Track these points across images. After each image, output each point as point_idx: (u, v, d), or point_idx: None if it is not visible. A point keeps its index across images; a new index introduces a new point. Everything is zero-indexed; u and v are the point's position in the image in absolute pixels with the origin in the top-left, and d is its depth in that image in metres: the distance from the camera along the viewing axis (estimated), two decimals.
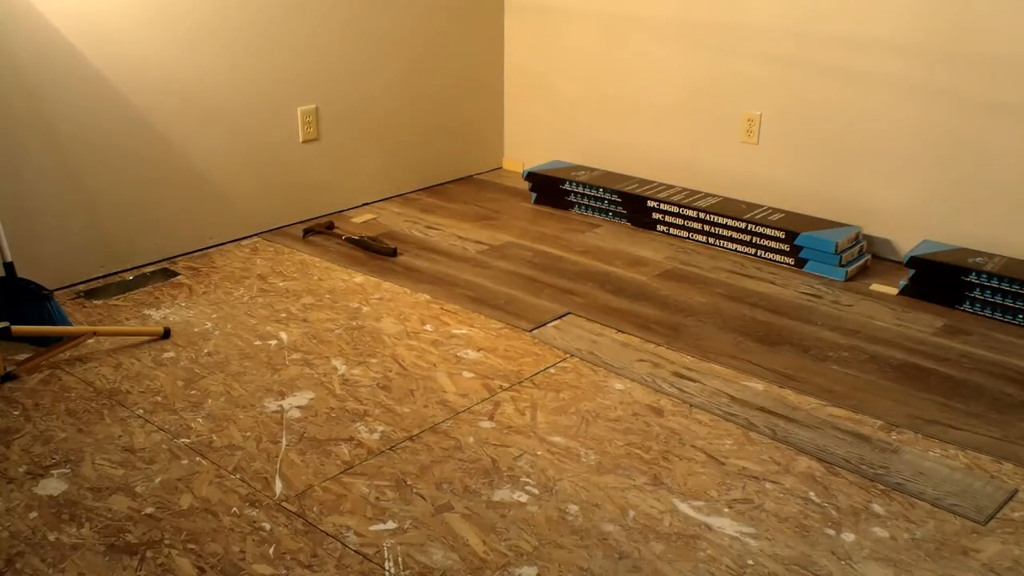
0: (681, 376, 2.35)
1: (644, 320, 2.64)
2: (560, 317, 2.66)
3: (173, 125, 2.97)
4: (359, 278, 2.93)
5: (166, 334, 2.51)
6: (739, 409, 2.21)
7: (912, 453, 2.03)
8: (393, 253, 3.09)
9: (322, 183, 3.46)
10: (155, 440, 2.05)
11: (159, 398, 2.22)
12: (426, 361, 2.41)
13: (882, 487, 1.90)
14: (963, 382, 2.33)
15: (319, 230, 3.28)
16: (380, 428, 2.10)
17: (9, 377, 2.29)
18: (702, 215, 3.23)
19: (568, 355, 2.43)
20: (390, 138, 3.65)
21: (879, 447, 2.05)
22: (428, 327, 2.60)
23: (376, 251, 3.11)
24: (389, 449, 2.02)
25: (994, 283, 2.66)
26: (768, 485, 1.91)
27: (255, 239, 3.26)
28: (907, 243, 3.00)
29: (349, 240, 3.18)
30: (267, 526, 1.77)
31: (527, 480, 1.92)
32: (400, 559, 1.69)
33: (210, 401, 2.21)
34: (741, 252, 3.16)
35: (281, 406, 2.19)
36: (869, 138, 3.05)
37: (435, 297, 2.79)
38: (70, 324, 2.51)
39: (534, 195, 3.70)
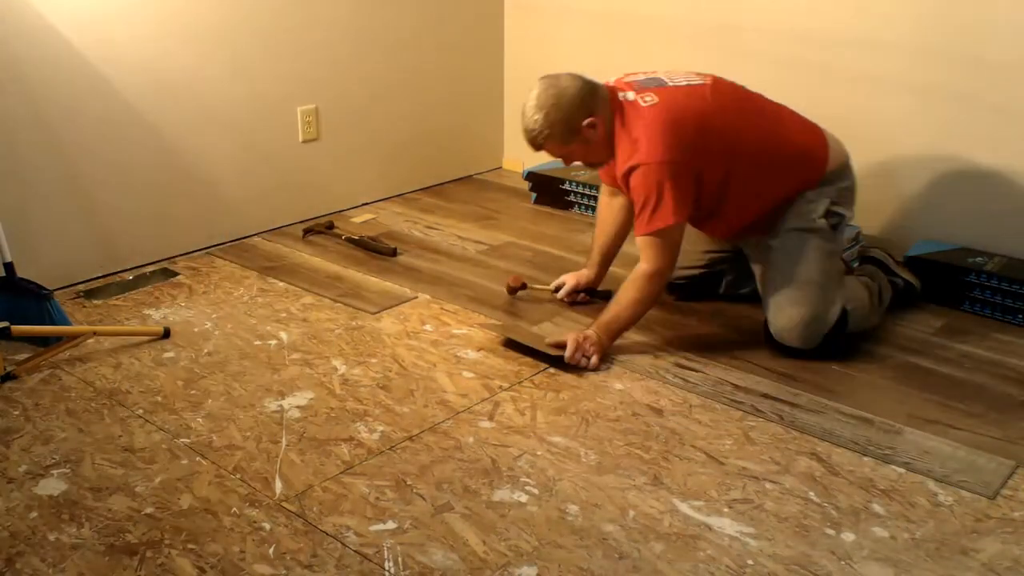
0: (683, 367, 2.37)
1: (644, 320, 2.63)
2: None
3: (173, 125, 2.97)
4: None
5: (166, 334, 2.51)
6: (744, 396, 2.24)
7: (915, 435, 2.08)
8: (393, 253, 3.08)
9: (322, 183, 3.46)
10: (155, 440, 2.05)
11: (159, 398, 2.22)
12: (426, 361, 2.41)
13: (881, 488, 1.90)
14: (963, 382, 2.33)
15: (319, 230, 3.28)
16: (380, 428, 2.10)
17: (9, 377, 2.29)
18: None
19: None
20: (390, 138, 3.65)
21: (883, 429, 2.11)
22: (428, 327, 2.60)
23: (376, 251, 3.11)
24: (389, 449, 2.02)
25: (994, 283, 2.66)
26: (768, 485, 1.91)
27: (255, 239, 3.25)
28: (907, 243, 2.99)
29: (349, 240, 3.18)
30: (267, 526, 1.77)
31: (527, 480, 1.92)
32: (400, 559, 1.69)
33: (210, 401, 2.21)
34: None
35: (281, 406, 2.19)
36: (868, 138, 3.05)
37: (435, 297, 2.79)
38: (70, 324, 2.51)
39: (534, 195, 3.70)
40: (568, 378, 2.33)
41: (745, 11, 3.22)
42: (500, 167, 4.15)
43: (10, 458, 1.98)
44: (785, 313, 2.38)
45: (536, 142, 2.36)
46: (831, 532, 1.77)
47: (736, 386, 2.29)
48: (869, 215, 3.10)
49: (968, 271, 2.70)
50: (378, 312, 2.68)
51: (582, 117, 2.31)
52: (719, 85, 2.44)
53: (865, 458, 2.00)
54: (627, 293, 2.38)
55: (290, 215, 3.38)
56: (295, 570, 1.66)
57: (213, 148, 3.09)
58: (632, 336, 2.53)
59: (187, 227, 3.09)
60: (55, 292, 2.64)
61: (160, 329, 2.51)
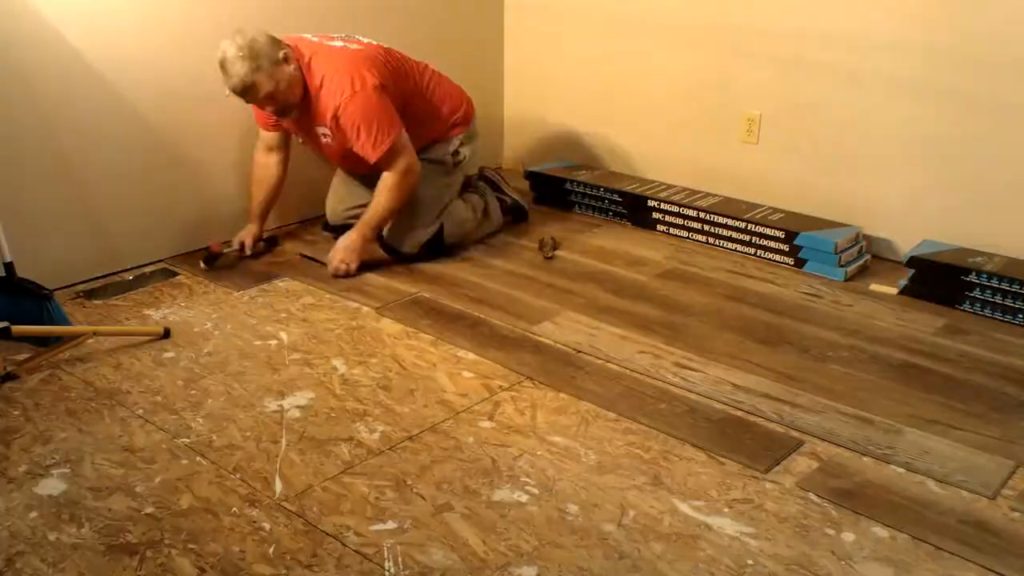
0: (683, 367, 2.37)
1: (644, 320, 2.64)
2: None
3: (173, 125, 2.96)
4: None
5: (166, 334, 2.51)
6: (744, 396, 2.23)
7: (915, 435, 2.08)
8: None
9: (322, 183, 3.45)
10: (155, 440, 2.05)
11: (159, 398, 2.22)
12: (426, 361, 2.41)
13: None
14: (963, 382, 2.33)
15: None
16: (380, 428, 2.10)
17: (9, 377, 2.29)
18: (702, 215, 3.23)
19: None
20: None
21: (883, 429, 2.10)
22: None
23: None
24: (389, 449, 2.02)
25: (994, 283, 2.66)
26: (768, 485, 1.91)
27: None
28: (907, 243, 2.99)
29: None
30: (267, 526, 1.77)
31: (527, 480, 1.92)
32: (400, 559, 1.69)
33: (210, 401, 2.21)
34: (741, 252, 3.16)
35: (281, 406, 2.19)
36: (869, 138, 3.05)
37: (435, 296, 2.79)
38: (70, 324, 2.51)
39: (534, 195, 3.70)
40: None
41: (745, 11, 3.22)
42: (500, 167, 4.14)
43: (10, 458, 1.98)
44: (397, 225, 2.97)
45: (247, 83, 2.64)
46: (831, 532, 1.77)
47: (736, 386, 2.29)
48: (871, 215, 3.10)
49: (968, 271, 2.70)
50: (381, 308, 2.68)
51: (277, 52, 2.69)
52: (390, 49, 2.95)
53: (865, 458, 2.00)
54: (384, 198, 2.87)
55: (290, 215, 3.38)
56: (295, 570, 1.66)
57: (213, 148, 3.09)
58: (632, 336, 2.54)
59: (187, 227, 3.09)
60: (55, 292, 2.64)
61: (160, 329, 2.51)
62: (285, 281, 2.90)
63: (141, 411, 2.17)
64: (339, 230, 3.11)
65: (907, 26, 2.88)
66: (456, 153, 3.08)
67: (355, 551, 1.71)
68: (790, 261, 3.05)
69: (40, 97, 2.65)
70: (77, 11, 2.67)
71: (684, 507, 1.84)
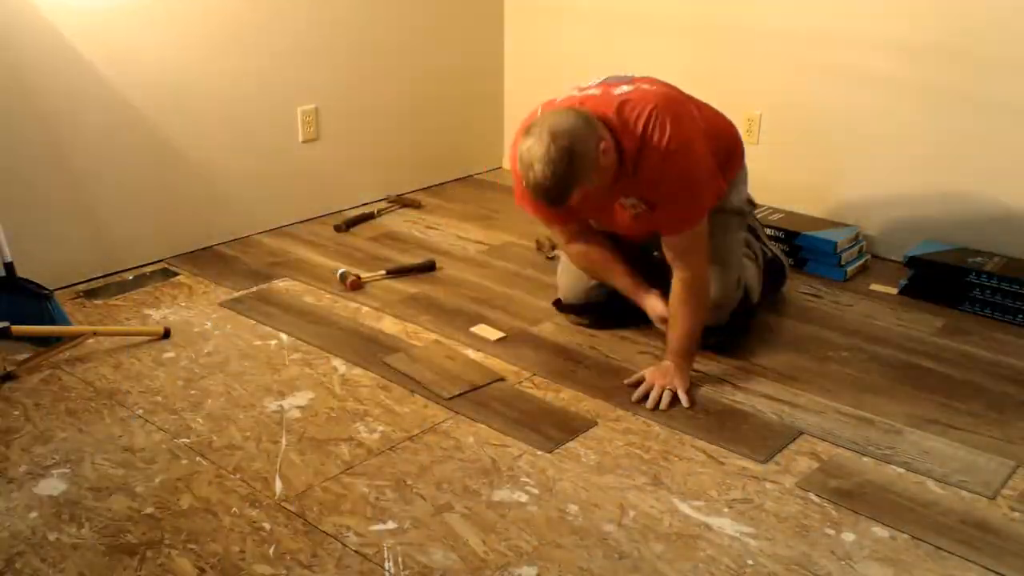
0: None
1: (644, 321, 2.64)
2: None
3: (173, 125, 2.97)
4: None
5: (166, 334, 2.51)
6: (744, 396, 2.23)
7: (915, 435, 2.08)
8: (432, 267, 2.99)
9: (322, 183, 3.46)
10: (155, 440, 2.05)
11: (159, 398, 2.22)
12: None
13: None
14: (963, 382, 2.33)
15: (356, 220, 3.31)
16: (380, 428, 2.10)
17: (9, 377, 2.29)
18: None
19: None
20: (390, 138, 3.65)
21: (883, 429, 2.10)
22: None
23: (418, 271, 2.97)
24: (389, 449, 2.02)
25: (994, 283, 2.66)
26: (768, 485, 1.91)
27: (255, 238, 3.25)
28: (907, 243, 2.99)
29: (389, 272, 2.95)
30: (267, 526, 1.77)
31: (527, 480, 1.92)
32: (400, 559, 1.69)
33: (210, 401, 2.21)
34: None
35: (281, 406, 2.19)
36: (869, 138, 3.05)
37: (435, 296, 2.79)
38: (70, 324, 2.51)
39: None
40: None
41: (747, 11, 3.22)
42: (500, 167, 4.15)
43: (10, 458, 1.98)
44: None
45: (564, 194, 1.98)
46: (831, 532, 1.77)
47: (736, 386, 2.29)
48: (870, 215, 3.10)
49: (968, 271, 2.70)
50: (381, 307, 2.68)
51: (597, 140, 1.99)
52: (662, 82, 2.26)
53: (865, 458, 2.00)
54: (690, 322, 2.19)
55: (290, 215, 3.38)
56: (295, 570, 1.66)
57: (213, 148, 3.09)
58: (631, 336, 2.53)
59: (187, 227, 3.09)
60: (55, 292, 2.64)
61: (160, 329, 2.51)
62: (285, 281, 2.90)
63: (141, 411, 2.17)
64: (580, 310, 2.55)
65: (907, 26, 2.88)
66: (750, 200, 2.48)
67: (355, 551, 1.71)
68: (790, 261, 3.05)
69: (40, 97, 2.65)
70: (77, 11, 2.67)
71: (684, 507, 1.84)
